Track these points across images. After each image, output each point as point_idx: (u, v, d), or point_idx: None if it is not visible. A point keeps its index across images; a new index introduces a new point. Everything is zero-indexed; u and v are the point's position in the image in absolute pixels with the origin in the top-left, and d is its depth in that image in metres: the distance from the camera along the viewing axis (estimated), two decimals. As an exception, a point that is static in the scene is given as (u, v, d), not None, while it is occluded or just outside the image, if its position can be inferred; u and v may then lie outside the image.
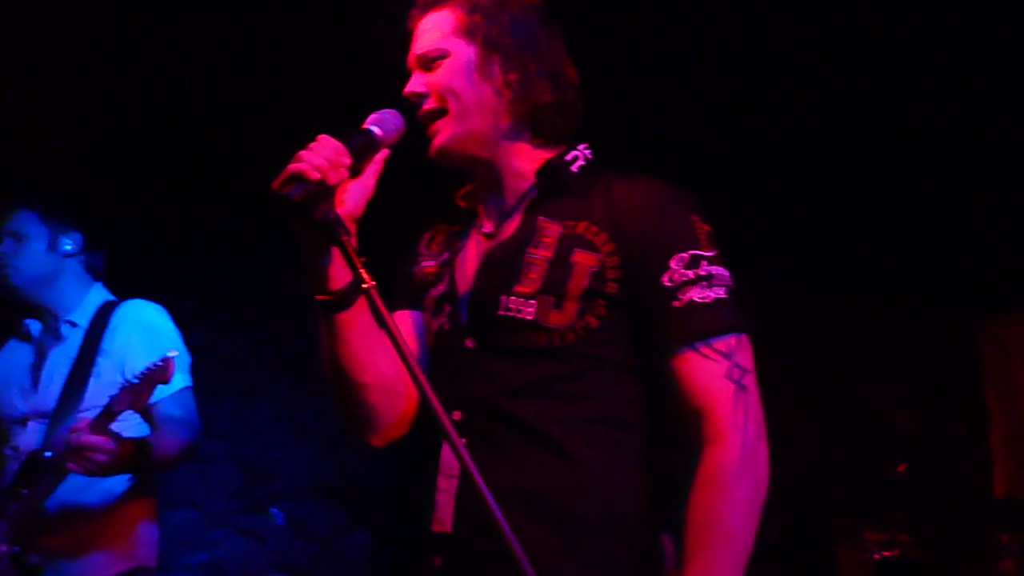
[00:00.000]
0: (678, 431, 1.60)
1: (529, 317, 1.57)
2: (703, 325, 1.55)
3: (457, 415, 1.58)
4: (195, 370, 2.97)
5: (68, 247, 2.99)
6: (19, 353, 3.03)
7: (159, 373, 2.52)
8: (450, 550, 1.57)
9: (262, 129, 4.34)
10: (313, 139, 1.48)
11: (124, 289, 3.11)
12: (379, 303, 1.38)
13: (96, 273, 3.07)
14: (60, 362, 2.90)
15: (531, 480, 1.53)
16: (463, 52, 1.65)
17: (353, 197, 1.54)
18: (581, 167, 1.70)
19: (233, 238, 4.98)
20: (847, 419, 5.50)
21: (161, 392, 2.74)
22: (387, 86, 1.76)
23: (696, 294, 1.55)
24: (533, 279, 1.58)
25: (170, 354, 2.53)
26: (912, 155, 4.39)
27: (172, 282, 4.57)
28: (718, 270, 1.58)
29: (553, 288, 1.57)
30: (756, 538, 1.50)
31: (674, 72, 3.84)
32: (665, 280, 1.56)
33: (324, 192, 1.44)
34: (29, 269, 2.93)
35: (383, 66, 1.83)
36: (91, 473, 2.51)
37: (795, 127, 4.20)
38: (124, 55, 3.87)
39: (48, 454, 2.65)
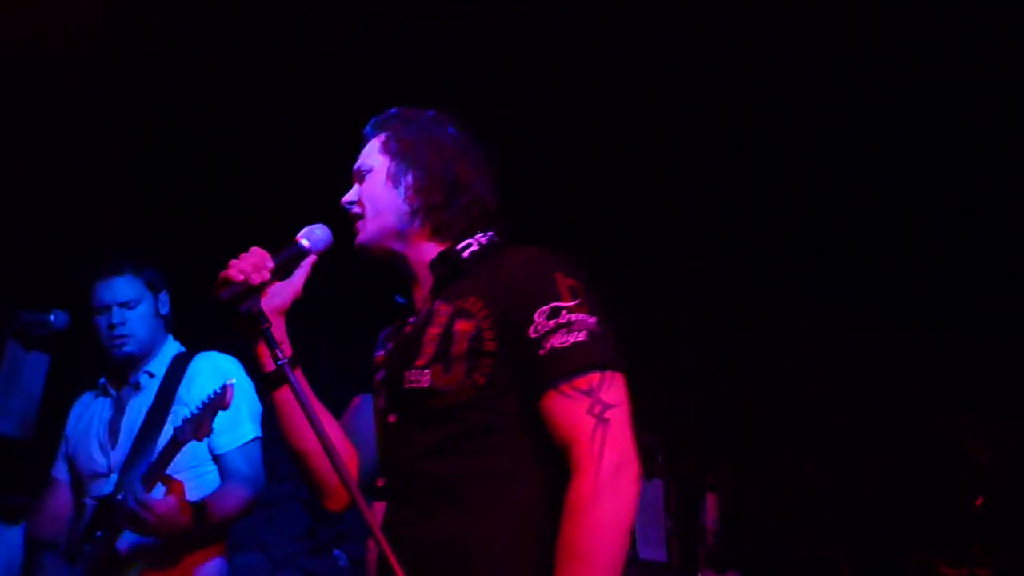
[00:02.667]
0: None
1: (426, 385, 1.78)
2: (562, 366, 1.71)
3: (380, 482, 1.84)
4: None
5: (165, 308, 3.06)
6: (96, 407, 3.08)
7: (218, 400, 2.54)
8: None
9: (318, 168, 4.39)
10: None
11: (187, 332, 3.14)
12: (291, 377, 1.69)
13: (169, 325, 3.12)
14: (138, 412, 2.95)
15: (436, 532, 1.73)
16: (382, 165, 1.97)
17: (280, 294, 1.89)
18: (473, 252, 1.91)
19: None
20: (922, 451, 5.37)
21: (230, 440, 2.81)
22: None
23: (557, 340, 1.72)
24: (427, 352, 1.81)
25: (228, 381, 2.55)
26: (977, 192, 4.35)
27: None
28: (579, 317, 1.74)
29: (440, 356, 1.79)
30: (624, 562, 1.60)
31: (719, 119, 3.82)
32: (531, 332, 1.74)
33: (250, 291, 1.77)
34: (143, 335, 3.00)
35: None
36: (144, 533, 2.56)
37: (882, 171, 4.21)
38: (190, 97, 3.95)
39: (120, 496, 2.68)
